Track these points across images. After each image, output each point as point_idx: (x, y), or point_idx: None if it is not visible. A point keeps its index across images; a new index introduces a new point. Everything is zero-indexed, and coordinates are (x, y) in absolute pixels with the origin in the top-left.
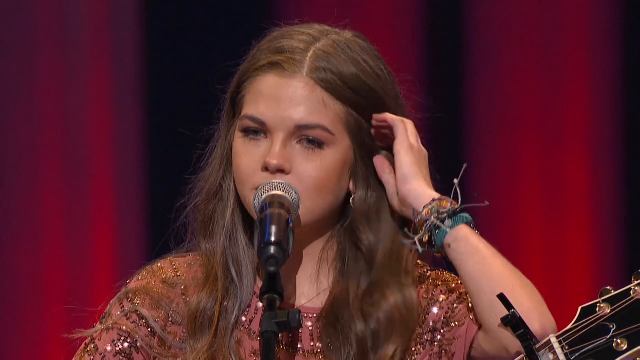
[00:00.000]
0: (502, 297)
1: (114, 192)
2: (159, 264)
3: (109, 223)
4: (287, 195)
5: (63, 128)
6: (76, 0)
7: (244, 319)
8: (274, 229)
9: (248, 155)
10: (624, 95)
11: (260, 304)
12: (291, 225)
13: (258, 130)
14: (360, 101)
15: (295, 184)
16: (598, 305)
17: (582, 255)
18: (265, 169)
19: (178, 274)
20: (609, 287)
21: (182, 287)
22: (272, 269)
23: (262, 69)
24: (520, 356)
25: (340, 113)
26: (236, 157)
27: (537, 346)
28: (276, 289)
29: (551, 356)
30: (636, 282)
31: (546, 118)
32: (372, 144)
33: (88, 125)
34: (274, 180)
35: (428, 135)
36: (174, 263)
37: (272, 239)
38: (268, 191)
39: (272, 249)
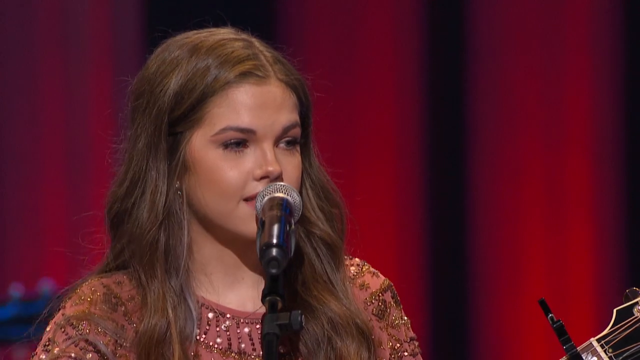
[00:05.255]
0: (542, 303)
1: None
2: (88, 287)
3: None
4: (289, 198)
5: (65, 127)
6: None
7: (196, 331)
8: (275, 231)
9: (235, 168)
10: (625, 98)
11: (211, 314)
12: (293, 227)
13: (241, 141)
14: (305, 102)
15: None
16: (635, 307)
17: (583, 259)
18: (261, 178)
19: (114, 295)
20: (635, 289)
21: (123, 309)
22: (273, 271)
23: (234, 80)
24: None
25: (299, 112)
26: (219, 171)
27: (579, 349)
28: (278, 290)
29: (595, 359)
30: None
31: (548, 121)
32: (306, 140)
33: (90, 124)
34: (276, 183)
35: (430, 137)
36: (104, 284)
37: (274, 240)
38: (271, 193)
39: (274, 251)
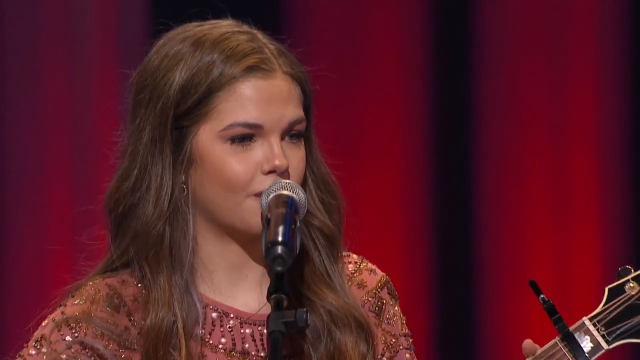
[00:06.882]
0: (532, 284)
1: None
2: (92, 287)
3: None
4: (294, 195)
5: (70, 127)
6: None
7: (201, 331)
8: (281, 228)
9: (243, 162)
10: (632, 94)
11: (215, 314)
12: (298, 225)
13: (249, 135)
14: (308, 94)
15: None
16: (626, 284)
17: (590, 259)
18: (269, 172)
19: (117, 295)
20: (628, 266)
21: (126, 310)
22: (279, 268)
23: (241, 74)
24: (554, 340)
25: (304, 105)
26: (226, 165)
27: (571, 329)
28: (283, 288)
29: (588, 338)
30: None
31: (554, 117)
32: (309, 132)
33: (95, 124)
34: (282, 181)
35: (435, 132)
36: (109, 285)
37: (279, 238)
38: (276, 191)
39: (280, 249)
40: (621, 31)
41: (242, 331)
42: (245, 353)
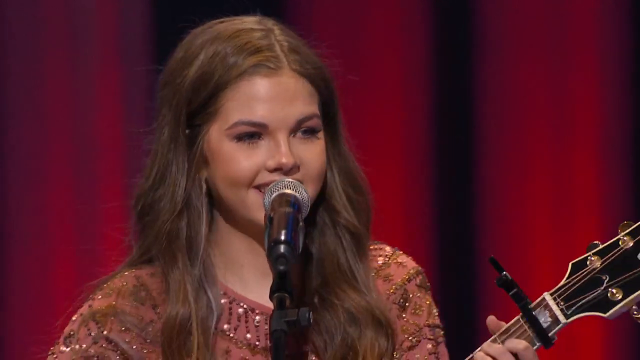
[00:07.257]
0: (492, 261)
1: (123, 193)
2: (121, 279)
3: (119, 224)
4: (297, 194)
5: (71, 127)
6: None
7: (226, 326)
8: (284, 227)
9: (249, 159)
10: (633, 96)
11: (241, 310)
12: (301, 224)
13: (254, 133)
14: (325, 90)
15: (301, 177)
16: (588, 259)
17: None
18: (274, 169)
19: (144, 288)
20: (596, 242)
21: (152, 303)
22: (281, 267)
23: (246, 72)
24: (517, 317)
25: (318, 101)
26: (231, 161)
27: (532, 305)
28: (286, 287)
29: (547, 313)
30: (624, 232)
31: (555, 119)
32: (333, 127)
33: (97, 124)
34: (284, 179)
35: (437, 131)
36: (138, 277)
37: (282, 237)
38: (279, 190)
39: (282, 248)
40: (621, 31)
41: (266, 327)
42: (268, 349)
